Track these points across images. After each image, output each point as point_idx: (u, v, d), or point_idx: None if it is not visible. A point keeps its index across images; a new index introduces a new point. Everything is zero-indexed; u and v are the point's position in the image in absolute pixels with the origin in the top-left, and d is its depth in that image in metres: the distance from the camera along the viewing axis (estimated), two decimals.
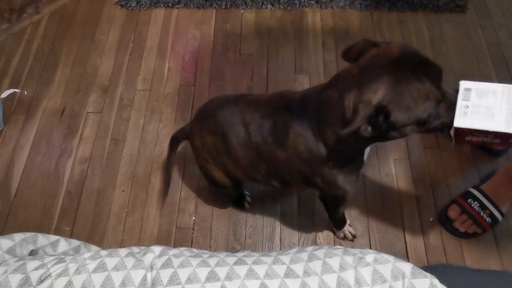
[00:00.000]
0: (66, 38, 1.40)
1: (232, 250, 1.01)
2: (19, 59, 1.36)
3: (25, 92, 1.29)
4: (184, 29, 1.40)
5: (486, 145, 0.61)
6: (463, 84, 0.60)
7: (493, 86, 0.59)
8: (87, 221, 1.07)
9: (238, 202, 1.06)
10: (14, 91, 1.30)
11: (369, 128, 0.59)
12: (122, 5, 1.45)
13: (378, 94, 0.57)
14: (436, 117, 0.60)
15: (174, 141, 0.96)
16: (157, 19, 1.42)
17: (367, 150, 0.75)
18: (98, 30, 1.41)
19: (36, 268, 0.50)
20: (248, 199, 1.06)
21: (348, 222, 1.00)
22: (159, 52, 1.35)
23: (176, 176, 1.13)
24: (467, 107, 0.58)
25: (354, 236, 1.01)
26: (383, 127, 0.59)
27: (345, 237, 1.01)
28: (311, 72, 1.28)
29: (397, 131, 0.61)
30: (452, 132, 0.60)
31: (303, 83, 1.26)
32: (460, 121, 0.58)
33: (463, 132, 0.59)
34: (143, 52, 1.35)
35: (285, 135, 0.71)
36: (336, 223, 0.98)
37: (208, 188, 1.09)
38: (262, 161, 0.78)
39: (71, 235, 1.05)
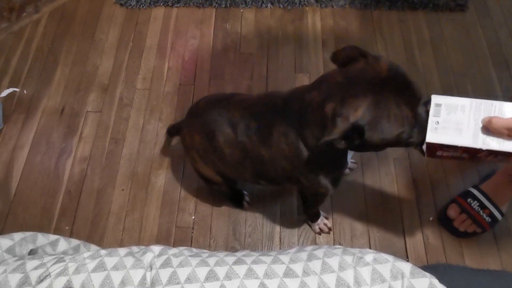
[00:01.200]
0: (66, 37, 1.40)
1: (231, 249, 1.01)
2: (19, 58, 1.36)
3: (25, 91, 1.29)
4: (183, 28, 1.40)
5: (458, 159, 0.64)
6: (434, 100, 0.61)
7: (461, 101, 0.60)
8: (87, 221, 1.07)
9: (236, 201, 1.06)
10: (14, 90, 1.29)
11: (343, 142, 0.61)
12: (121, 4, 1.45)
13: (357, 111, 0.58)
14: (407, 138, 0.62)
15: (170, 130, 1.02)
16: (157, 18, 1.42)
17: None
18: (98, 29, 1.41)
19: (36, 268, 0.50)
20: (247, 198, 1.06)
21: (323, 214, 1.01)
22: (159, 51, 1.35)
23: (176, 176, 1.13)
24: (438, 122, 0.59)
25: (330, 229, 1.02)
26: (356, 142, 0.62)
27: (321, 231, 1.01)
28: (311, 71, 1.27)
29: (369, 147, 0.64)
30: (424, 147, 0.62)
31: (303, 83, 1.26)
32: (431, 136, 0.59)
33: (434, 147, 0.61)
34: (143, 51, 1.35)
35: (269, 134, 0.73)
36: (310, 217, 1.00)
37: (208, 187, 1.09)
38: (248, 160, 0.79)
39: (71, 234, 1.05)
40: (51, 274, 0.49)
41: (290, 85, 1.25)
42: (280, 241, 1.03)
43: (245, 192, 1.06)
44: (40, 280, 0.48)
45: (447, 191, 1.06)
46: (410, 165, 1.11)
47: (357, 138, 0.61)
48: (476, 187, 1.00)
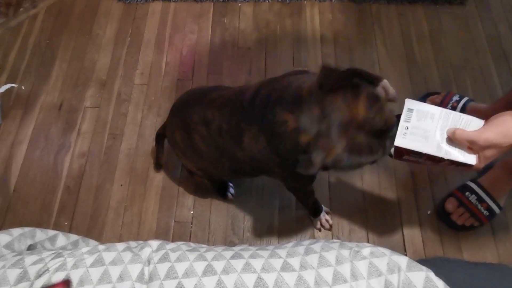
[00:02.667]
0: (63, 33, 1.39)
1: (230, 244, 1.02)
2: (16, 53, 1.35)
3: (23, 87, 1.29)
4: (181, 23, 1.39)
5: (422, 164, 0.66)
6: (408, 104, 0.62)
7: (432, 109, 0.62)
8: (86, 216, 1.07)
9: (220, 192, 1.06)
10: (12, 86, 1.29)
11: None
12: None
13: (332, 151, 0.59)
14: (373, 163, 0.66)
15: (159, 137, 1.03)
16: (155, 13, 1.41)
17: None
18: (95, 24, 1.40)
19: (34, 263, 0.50)
20: (232, 190, 1.06)
21: (325, 209, 1.01)
22: (157, 46, 1.34)
23: (174, 171, 1.13)
24: (407, 128, 0.61)
25: (331, 226, 1.02)
26: (326, 171, 0.66)
27: (322, 226, 1.02)
28: (309, 65, 1.27)
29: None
30: (392, 150, 0.64)
31: None
32: (400, 141, 0.61)
33: (401, 151, 0.63)
34: (141, 46, 1.34)
35: (240, 137, 0.73)
36: (311, 211, 1.00)
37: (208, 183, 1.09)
38: (225, 158, 0.81)
39: (70, 230, 1.05)
40: (50, 269, 0.49)
41: None
42: (278, 235, 1.03)
43: (230, 184, 1.06)
44: (39, 275, 0.48)
45: (445, 185, 1.06)
46: None
47: (327, 168, 0.63)
48: (474, 180, 1.01)
